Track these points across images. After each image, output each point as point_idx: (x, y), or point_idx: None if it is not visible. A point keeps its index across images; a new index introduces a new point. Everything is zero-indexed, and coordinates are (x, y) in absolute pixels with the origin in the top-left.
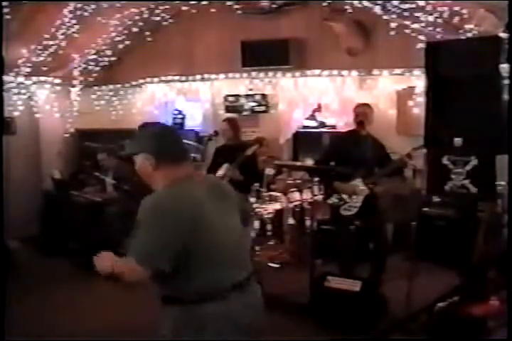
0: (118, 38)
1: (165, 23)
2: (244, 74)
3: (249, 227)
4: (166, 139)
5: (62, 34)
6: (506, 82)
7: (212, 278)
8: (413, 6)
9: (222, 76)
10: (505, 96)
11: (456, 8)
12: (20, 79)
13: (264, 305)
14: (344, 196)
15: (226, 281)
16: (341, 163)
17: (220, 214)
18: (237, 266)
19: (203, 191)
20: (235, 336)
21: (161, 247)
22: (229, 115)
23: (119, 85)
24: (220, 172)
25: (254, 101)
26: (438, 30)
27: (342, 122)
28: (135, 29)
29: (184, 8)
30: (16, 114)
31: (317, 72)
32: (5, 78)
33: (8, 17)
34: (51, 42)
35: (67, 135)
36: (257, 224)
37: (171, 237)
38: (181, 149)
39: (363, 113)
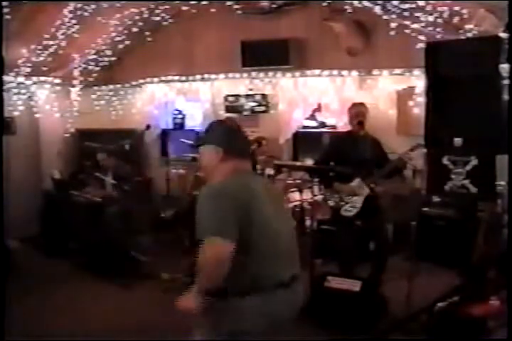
0: (118, 38)
1: (165, 23)
2: (244, 74)
3: None
4: (235, 135)
5: (62, 34)
6: (506, 82)
7: (259, 272)
8: (413, 6)
9: (222, 76)
10: (505, 96)
11: (456, 8)
12: (20, 79)
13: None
14: (345, 197)
15: (273, 277)
16: (341, 163)
17: (273, 209)
18: (286, 263)
19: (260, 185)
20: (269, 331)
21: (231, 220)
22: (228, 115)
23: (119, 85)
24: None
25: (254, 101)
26: (438, 30)
27: (342, 122)
28: (135, 29)
29: (184, 8)
30: (16, 114)
31: (317, 72)
32: (5, 78)
33: (8, 17)
34: (51, 42)
35: (67, 135)
36: None
37: (235, 214)
38: (246, 145)
39: (361, 113)
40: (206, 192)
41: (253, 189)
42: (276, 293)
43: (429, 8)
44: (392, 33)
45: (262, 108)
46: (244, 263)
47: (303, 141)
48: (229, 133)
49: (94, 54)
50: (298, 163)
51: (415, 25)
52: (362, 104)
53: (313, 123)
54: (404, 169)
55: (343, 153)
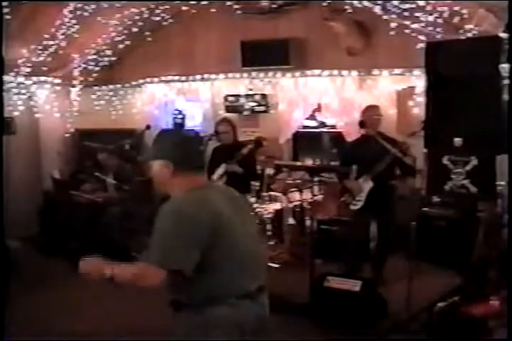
0: (118, 38)
1: (165, 23)
2: (245, 74)
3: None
4: (186, 147)
5: (62, 34)
6: (506, 82)
7: (224, 284)
8: (413, 6)
9: (222, 76)
10: (505, 96)
11: (456, 8)
12: (20, 79)
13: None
14: (355, 193)
15: (238, 289)
16: (357, 166)
17: (238, 223)
18: (251, 275)
19: (222, 199)
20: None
21: (184, 250)
22: (228, 115)
23: (119, 85)
24: (218, 172)
25: (254, 101)
26: (438, 30)
27: (342, 122)
28: (135, 29)
29: (184, 8)
30: (16, 114)
31: (317, 72)
32: (5, 78)
33: (8, 17)
34: (51, 42)
35: (67, 135)
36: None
37: (192, 242)
38: (201, 158)
39: (364, 115)
40: (164, 212)
41: (214, 204)
42: (241, 304)
43: (429, 8)
44: (392, 33)
45: (262, 108)
46: (208, 278)
47: (303, 141)
48: (178, 145)
49: (94, 54)
50: (298, 163)
51: (415, 25)
52: (371, 106)
53: (313, 123)
54: (405, 157)
55: (355, 154)
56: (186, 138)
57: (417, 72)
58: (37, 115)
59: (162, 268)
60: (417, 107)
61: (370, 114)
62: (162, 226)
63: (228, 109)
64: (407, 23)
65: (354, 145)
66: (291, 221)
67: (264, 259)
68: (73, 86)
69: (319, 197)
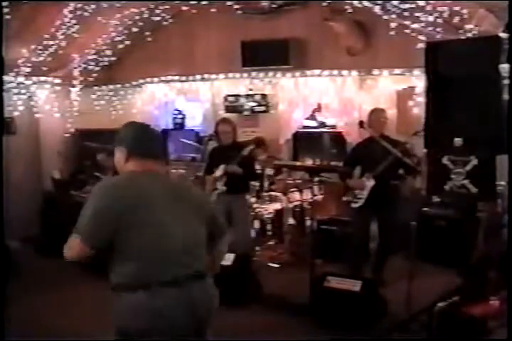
0: (118, 38)
1: (165, 23)
2: (245, 74)
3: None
4: (141, 137)
5: (62, 34)
6: (506, 82)
7: (145, 270)
8: (413, 6)
9: (222, 76)
10: (505, 96)
11: (456, 8)
12: (20, 79)
13: (263, 305)
14: (356, 192)
15: (160, 276)
16: (361, 166)
17: (168, 211)
18: (178, 263)
19: (157, 185)
20: (157, 330)
21: (97, 226)
22: (228, 115)
23: (119, 85)
24: (218, 173)
25: (254, 101)
26: (438, 30)
27: (342, 122)
28: (135, 29)
29: (184, 8)
30: (16, 114)
31: (317, 72)
32: (5, 78)
33: (8, 17)
34: (51, 42)
35: (67, 135)
36: (257, 224)
37: (106, 219)
38: (154, 147)
39: (382, 120)
40: (95, 188)
41: (144, 188)
42: (166, 292)
43: (429, 8)
44: (392, 33)
45: (262, 108)
46: (127, 261)
47: (303, 141)
48: (134, 134)
49: (94, 54)
50: (298, 163)
51: (415, 25)
52: (378, 109)
53: (313, 123)
54: (409, 157)
55: (360, 155)
56: (142, 128)
57: (417, 72)
58: (37, 115)
59: (83, 241)
60: (417, 107)
61: (377, 117)
62: (90, 201)
63: (228, 109)
64: (407, 23)
65: (359, 147)
66: (291, 221)
67: (195, 250)
68: (73, 86)
69: (319, 197)
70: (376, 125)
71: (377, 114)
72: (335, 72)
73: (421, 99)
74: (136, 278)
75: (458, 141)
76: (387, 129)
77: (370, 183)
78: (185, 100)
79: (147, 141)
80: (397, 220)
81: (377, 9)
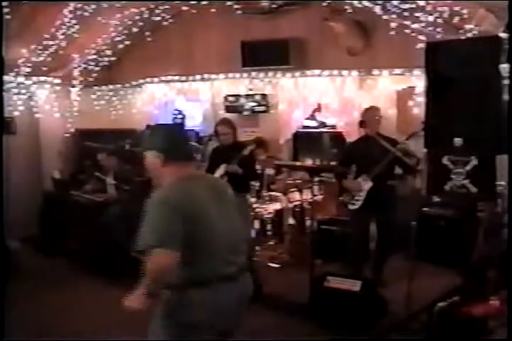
0: (118, 38)
1: (165, 23)
2: (244, 74)
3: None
4: (176, 139)
5: (62, 34)
6: (506, 82)
7: (204, 268)
8: (413, 6)
9: (222, 76)
10: (505, 96)
11: (456, 8)
12: (20, 79)
13: (263, 305)
14: (354, 193)
15: (219, 272)
16: (356, 166)
17: (217, 210)
18: (232, 258)
19: (203, 189)
20: (223, 320)
21: (172, 230)
22: (228, 115)
23: (119, 85)
24: (218, 173)
25: (254, 101)
26: (438, 30)
27: (342, 122)
28: (135, 29)
29: (184, 8)
30: (16, 114)
31: (317, 72)
32: (5, 78)
33: (8, 17)
34: (51, 42)
35: (67, 135)
36: (257, 224)
37: (177, 223)
38: (188, 149)
39: (365, 115)
40: (151, 200)
41: (196, 193)
42: (222, 287)
43: (429, 8)
44: (392, 33)
45: (262, 108)
46: (190, 260)
47: (303, 141)
48: (169, 138)
49: (94, 54)
50: (298, 163)
51: (415, 25)
52: (373, 107)
53: (313, 123)
54: (408, 156)
55: (355, 154)
56: (175, 132)
57: (417, 72)
58: (37, 115)
59: (165, 248)
60: (417, 107)
61: (371, 115)
62: (151, 213)
63: (228, 109)
64: (407, 23)
65: (354, 145)
66: (291, 221)
67: (242, 246)
68: (73, 86)
69: (319, 197)
70: (371, 124)
71: (371, 112)
72: (335, 72)
73: (421, 99)
74: (198, 276)
75: (458, 141)
76: (386, 129)
77: (368, 184)
78: (185, 100)
79: (184, 144)
80: (395, 221)
81: (377, 9)
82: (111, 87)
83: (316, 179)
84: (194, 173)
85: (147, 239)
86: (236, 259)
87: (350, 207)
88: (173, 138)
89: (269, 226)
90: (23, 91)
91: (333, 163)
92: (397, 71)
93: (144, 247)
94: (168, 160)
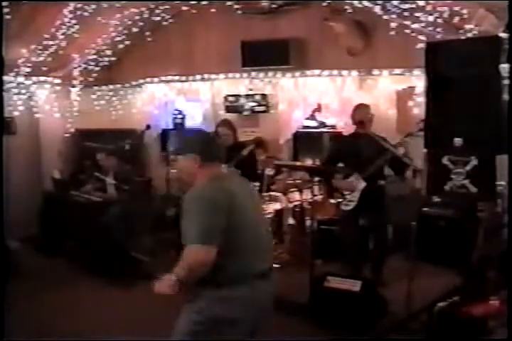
0: (118, 38)
1: (165, 23)
2: (244, 74)
3: None
4: (211, 143)
5: (62, 34)
6: (506, 82)
7: (242, 265)
8: (413, 6)
9: (222, 76)
10: (505, 96)
11: (456, 8)
12: (20, 79)
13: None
14: (345, 193)
15: (254, 269)
16: (344, 162)
17: (250, 208)
18: (264, 256)
19: (237, 186)
20: (256, 317)
21: (213, 226)
22: (228, 115)
23: (119, 85)
24: None
25: (254, 101)
26: (438, 30)
27: (342, 122)
28: (135, 29)
29: (184, 8)
30: (16, 114)
31: (317, 72)
32: (5, 78)
33: (8, 17)
34: (51, 42)
35: (67, 135)
36: None
37: (217, 219)
38: (221, 152)
39: (362, 113)
40: (190, 197)
41: (232, 191)
42: (258, 284)
43: (429, 8)
44: (392, 33)
45: (262, 108)
46: (229, 257)
47: (303, 141)
48: (205, 141)
49: (94, 54)
50: (298, 163)
51: (415, 25)
52: (364, 105)
53: (313, 123)
54: (408, 162)
55: (346, 153)
56: (209, 136)
57: (417, 72)
58: (37, 115)
59: (204, 243)
60: (417, 107)
61: (362, 113)
62: (191, 211)
63: (228, 109)
64: (407, 23)
65: (343, 142)
66: (291, 221)
67: (272, 244)
68: (73, 86)
69: (319, 197)
70: (364, 121)
71: (363, 109)
72: (335, 72)
73: (421, 99)
74: (236, 272)
75: (458, 141)
76: (386, 129)
77: (361, 185)
78: (185, 100)
79: (217, 146)
80: (388, 221)
81: (377, 9)
82: (111, 87)
83: (316, 179)
84: (226, 172)
85: (189, 235)
86: (269, 255)
87: (344, 207)
88: (209, 140)
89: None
90: (23, 91)
91: (341, 164)
92: (397, 71)
93: (187, 242)
94: (205, 162)
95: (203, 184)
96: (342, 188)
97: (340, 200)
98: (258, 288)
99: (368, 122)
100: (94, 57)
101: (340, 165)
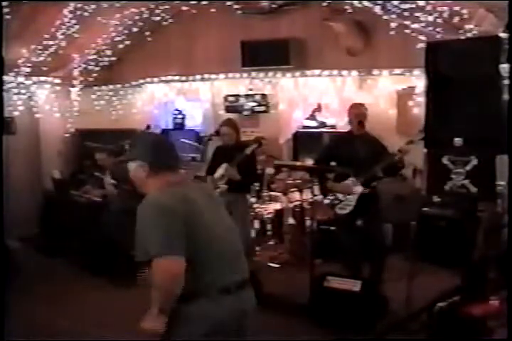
0: (118, 38)
1: (165, 23)
2: (244, 74)
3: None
4: (160, 148)
5: (62, 34)
6: (506, 82)
7: (204, 277)
8: (413, 6)
9: (222, 76)
10: (505, 96)
11: (456, 8)
12: (21, 79)
13: (263, 305)
14: (339, 195)
15: (217, 283)
16: (339, 163)
17: (214, 218)
18: (230, 269)
19: (196, 194)
20: (219, 336)
21: (175, 234)
22: (228, 115)
23: (119, 85)
24: (219, 172)
25: (254, 101)
26: (438, 30)
27: (342, 122)
28: (135, 29)
29: (184, 8)
30: (16, 114)
31: (317, 72)
32: (5, 78)
33: (8, 17)
34: (51, 42)
35: (67, 135)
36: (257, 224)
37: (177, 227)
38: (174, 158)
39: (361, 113)
40: (143, 209)
41: (191, 199)
42: (222, 300)
43: (429, 8)
44: (392, 33)
45: (262, 108)
46: (188, 270)
47: (303, 141)
48: (153, 146)
49: (94, 54)
50: (298, 163)
51: (415, 25)
52: (361, 105)
53: (313, 123)
54: (402, 165)
55: (341, 152)
56: (158, 140)
57: (417, 72)
58: (37, 115)
59: (170, 253)
60: (417, 107)
61: (359, 112)
62: (147, 221)
63: (228, 109)
64: (407, 23)
65: (338, 143)
66: (291, 221)
67: (242, 254)
68: (73, 86)
69: (319, 197)
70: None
71: (355, 109)
72: (335, 72)
73: (421, 99)
74: (198, 286)
75: (458, 141)
76: (386, 129)
77: (359, 188)
78: (185, 100)
79: (166, 151)
80: (385, 221)
81: (377, 9)
82: (111, 87)
83: (316, 179)
84: (181, 180)
85: (151, 248)
86: (236, 270)
87: (340, 211)
88: (155, 146)
89: (269, 226)
90: (23, 91)
91: (333, 163)
92: (397, 71)
93: (147, 258)
94: (153, 170)
95: (157, 192)
96: (338, 191)
97: (335, 202)
98: (223, 306)
99: (363, 122)
100: (94, 57)
101: (333, 164)
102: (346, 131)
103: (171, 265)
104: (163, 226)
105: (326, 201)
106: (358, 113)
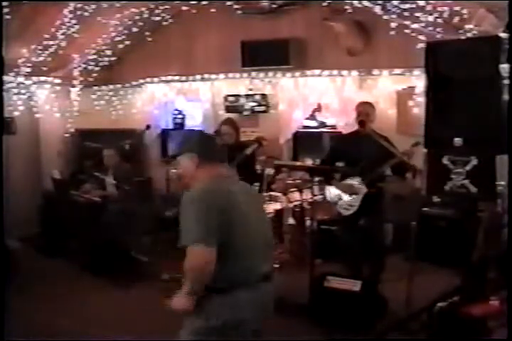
0: (118, 38)
1: (165, 23)
2: (244, 74)
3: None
4: (207, 142)
5: (62, 34)
6: (506, 82)
7: (244, 267)
8: (413, 6)
9: (222, 76)
10: (505, 97)
11: (456, 8)
12: (20, 79)
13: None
14: (343, 194)
15: (256, 271)
16: (344, 162)
17: (251, 211)
18: (265, 259)
19: (239, 188)
20: (258, 318)
21: (212, 227)
22: (228, 115)
23: (119, 85)
24: None
25: (254, 101)
26: (438, 30)
27: (342, 122)
28: (135, 29)
29: (184, 8)
30: (16, 114)
31: (317, 72)
32: (5, 78)
33: (8, 17)
34: (51, 42)
35: (67, 135)
36: None
37: (216, 220)
38: (220, 151)
39: (364, 112)
40: (187, 198)
41: (232, 192)
42: (260, 286)
43: (429, 8)
44: (392, 33)
45: (262, 108)
46: (230, 260)
47: (303, 141)
48: (200, 140)
49: (94, 54)
50: (298, 163)
51: (415, 25)
52: (367, 103)
53: (313, 123)
54: (408, 167)
55: (347, 152)
56: (205, 135)
57: (417, 72)
58: (37, 115)
59: (205, 244)
60: (417, 107)
61: (367, 111)
62: (189, 212)
63: (228, 109)
64: (407, 23)
65: (345, 141)
66: (291, 221)
67: (272, 248)
68: (73, 86)
69: (319, 197)
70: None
71: (359, 107)
72: (335, 72)
73: (421, 99)
74: (238, 277)
75: (458, 141)
76: (386, 129)
77: (363, 190)
78: (185, 100)
79: (217, 146)
80: (387, 221)
81: (377, 9)
82: (111, 87)
83: (316, 179)
84: (226, 173)
85: (187, 235)
86: (270, 259)
87: (344, 212)
88: (207, 140)
89: None
90: (23, 91)
91: (340, 164)
92: (397, 71)
93: (186, 243)
94: (203, 162)
95: (202, 184)
96: (342, 191)
97: (333, 199)
98: (260, 290)
99: (370, 121)
100: (94, 57)
101: (340, 164)
102: (352, 131)
103: (204, 253)
104: (201, 217)
105: (328, 198)
106: (359, 112)
